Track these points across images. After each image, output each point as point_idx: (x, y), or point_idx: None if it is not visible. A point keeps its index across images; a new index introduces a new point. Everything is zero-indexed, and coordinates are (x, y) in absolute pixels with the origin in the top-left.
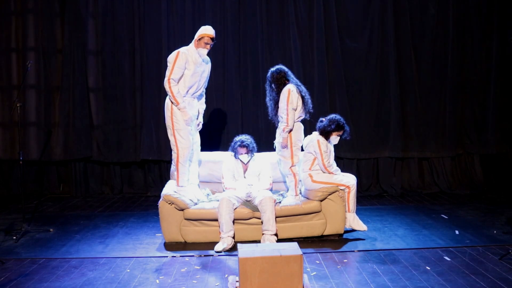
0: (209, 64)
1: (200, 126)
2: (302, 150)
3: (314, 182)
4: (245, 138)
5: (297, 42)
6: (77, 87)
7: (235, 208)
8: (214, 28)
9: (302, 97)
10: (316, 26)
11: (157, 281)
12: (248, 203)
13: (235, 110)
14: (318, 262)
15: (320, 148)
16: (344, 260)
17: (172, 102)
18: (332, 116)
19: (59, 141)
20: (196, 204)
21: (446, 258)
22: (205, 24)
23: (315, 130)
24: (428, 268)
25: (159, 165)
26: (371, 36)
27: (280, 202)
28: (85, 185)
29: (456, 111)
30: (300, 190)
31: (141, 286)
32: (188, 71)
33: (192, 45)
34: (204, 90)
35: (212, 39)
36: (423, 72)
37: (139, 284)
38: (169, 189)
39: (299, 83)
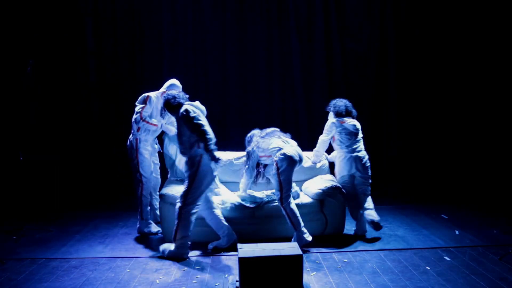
0: None
1: None
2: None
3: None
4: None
5: (297, 43)
6: (77, 87)
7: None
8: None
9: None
10: (316, 26)
11: (157, 281)
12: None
13: (235, 110)
14: (318, 262)
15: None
16: (344, 260)
17: None
18: None
19: (58, 141)
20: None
21: (446, 258)
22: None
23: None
24: (428, 268)
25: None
26: (371, 36)
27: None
28: None
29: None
30: (300, 189)
31: (141, 286)
32: None
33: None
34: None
35: None
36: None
37: (139, 284)
38: (168, 189)
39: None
